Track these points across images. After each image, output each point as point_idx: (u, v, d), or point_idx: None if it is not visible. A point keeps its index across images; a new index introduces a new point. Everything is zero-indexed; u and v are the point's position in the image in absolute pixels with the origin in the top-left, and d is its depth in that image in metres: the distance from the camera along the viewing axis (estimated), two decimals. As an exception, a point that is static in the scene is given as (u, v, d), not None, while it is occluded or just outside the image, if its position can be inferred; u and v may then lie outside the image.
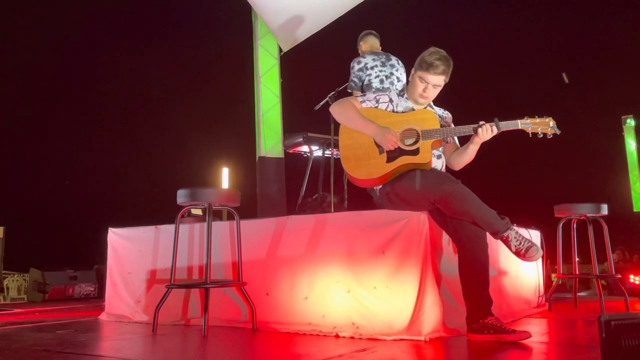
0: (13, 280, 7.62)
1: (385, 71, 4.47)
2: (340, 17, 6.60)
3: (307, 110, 4.88)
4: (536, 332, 3.02)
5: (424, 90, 3.06)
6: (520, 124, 2.95)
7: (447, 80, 3.07)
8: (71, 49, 10.79)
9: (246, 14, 7.21)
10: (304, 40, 6.95)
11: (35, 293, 6.49)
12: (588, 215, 4.32)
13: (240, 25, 7.64)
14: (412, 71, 3.12)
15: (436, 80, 3.03)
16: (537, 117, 2.94)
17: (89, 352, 2.68)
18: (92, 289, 6.76)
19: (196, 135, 11.25)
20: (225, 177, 9.35)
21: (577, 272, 4.79)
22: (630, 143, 13.61)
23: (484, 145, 3.05)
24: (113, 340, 3.12)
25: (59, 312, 4.89)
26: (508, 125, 2.96)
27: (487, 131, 2.94)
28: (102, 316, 4.09)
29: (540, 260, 4.56)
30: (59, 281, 6.54)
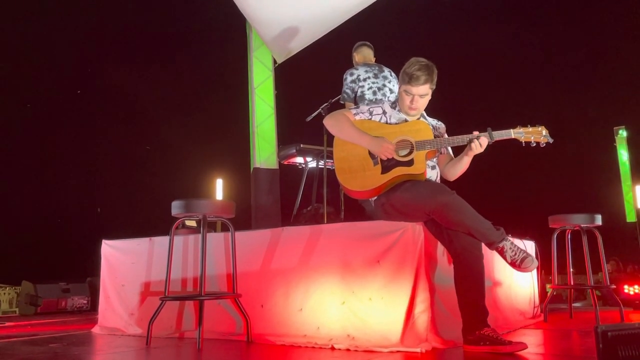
0: (4, 293, 7.55)
1: (377, 83, 4.49)
2: (335, 28, 6.63)
3: (301, 122, 4.89)
4: (532, 343, 3.01)
5: (411, 102, 3.07)
6: (514, 133, 2.97)
7: (434, 87, 3.08)
8: (71, 65, 10.80)
9: (241, 26, 7.23)
10: (298, 52, 6.98)
11: (27, 306, 6.43)
12: (582, 225, 4.33)
13: (234, 37, 7.67)
14: (398, 85, 3.15)
15: (421, 91, 3.03)
16: (529, 126, 2.96)
17: (81, 366, 2.65)
18: (85, 301, 6.70)
19: (190, 146, 11.25)
20: (219, 188, 9.34)
21: (572, 283, 4.79)
22: (623, 154, 13.68)
23: (478, 156, 3.06)
24: (106, 354, 3.09)
25: (52, 325, 4.84)
26: (501, 134, 2.98)
27: (481, 141, 2.95)
28: (95, 329, 4.05)
29: (535, 271, 4.57)
30: (52, 294, 6.49)
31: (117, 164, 11.10)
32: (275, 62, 7.15)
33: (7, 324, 5.10)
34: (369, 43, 4.87)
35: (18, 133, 10.37)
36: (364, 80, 4.48)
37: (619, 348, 1.64)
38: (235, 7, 6.49)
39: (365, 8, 6.31)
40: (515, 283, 4.20)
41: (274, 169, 6.79)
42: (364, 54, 4.81)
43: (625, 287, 5.66)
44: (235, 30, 7.51)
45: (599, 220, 4.33)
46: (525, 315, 4.29)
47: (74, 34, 10.50)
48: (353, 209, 4.18)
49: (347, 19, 6.48)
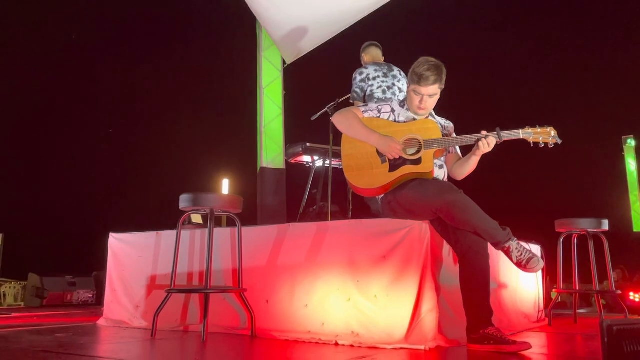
0: (10, 287, 7.60)
1: (387, 82, 4.50)
2: (345, 30, 6.65)
3: (309, 121, 4.91)
4: (536, 344, 3.01)
5: (420, 102, 3.07)
6: (522, 133, 2.96)
7: (443, 86, 3.07)
8: (75, 57, 10.85)
9: (251, 26, 7.27)
10: (308, 53, 7.00)
11: (34, 298, 6.48)
12: (589, 230, 4.32)
13: (244, 37, 7.71)
14: (407, 85, 3.15)
15: (430, 91, 3.03)
16: (538, 126, 2.96)
17: (87, 354, 2.67)
18: (91, 295, 6.74)
19: (197, 145, 11.28)
20: (225, 188, 9.37)
21: (577, 288, 4.77)
22: (631, 163, 13.63)
23: (486, 157, 3.05)
24: (112, 344, 3.11)
25: (57, 317, 4.87)
26: (510, 134, 2.97)
27: (489, 141, 2.95)
28: (101, 321, 4.07)
29: (540, 275, 4.56)
30: (58, 287, 6.54)
31: (123, 159, 11.15)
32: (284, 62, 7.18)
33: (13, 314, 5.13)
34: (377, 43, 4.87)
35: (22, 127, 10.42)
36: (374, 79, 4.49)
37: (625, 343, 1.64)
38: (246, 7, 6.53)
39: (375, 10, 6.34)
40: (521, 286, 4.19)
41: (280, 169, 6.81)
42: (373, 54, 4.82)
43: (631, 294, 5.65)
44: (245, 30, 7.54)
45: (606, 225, 4.31)
46: (529, 318, 4.27)
47: (79, 26, 10.53)
48: (361, 209, 4.19)
49: (357, 20, 6.50)
